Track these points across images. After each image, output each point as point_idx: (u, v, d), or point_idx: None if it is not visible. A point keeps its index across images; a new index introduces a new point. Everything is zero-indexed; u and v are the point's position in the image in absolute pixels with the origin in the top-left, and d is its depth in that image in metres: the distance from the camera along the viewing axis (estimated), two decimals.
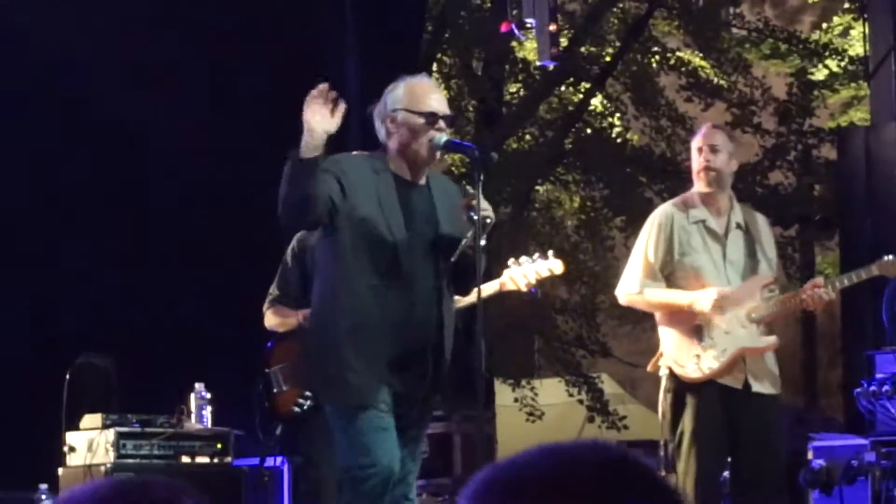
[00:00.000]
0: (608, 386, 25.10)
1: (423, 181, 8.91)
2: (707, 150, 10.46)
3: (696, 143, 10.61)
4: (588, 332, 24.26)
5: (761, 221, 10.71)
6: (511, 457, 2.77)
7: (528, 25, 14.18)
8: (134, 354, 13.09)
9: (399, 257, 8.74)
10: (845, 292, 11.38)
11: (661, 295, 10.39)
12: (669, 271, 10.40)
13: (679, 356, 10.27)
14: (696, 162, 10.46)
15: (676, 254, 10.38)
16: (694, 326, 10.26)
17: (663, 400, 10.46)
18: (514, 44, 22.72)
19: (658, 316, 10.53)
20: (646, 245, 10.46)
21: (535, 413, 24.18)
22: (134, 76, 14.61)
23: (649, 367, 10.65)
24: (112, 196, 14.39)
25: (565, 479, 2.71)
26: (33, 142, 14.29)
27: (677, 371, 10.28)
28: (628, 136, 24.85)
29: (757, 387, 10.28)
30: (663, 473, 10.18)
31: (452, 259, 8.91)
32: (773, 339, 10.48)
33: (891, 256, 10.74)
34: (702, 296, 10.20)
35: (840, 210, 16.16)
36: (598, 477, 2.72)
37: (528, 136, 23.98)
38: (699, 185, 10.48)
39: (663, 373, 10.38)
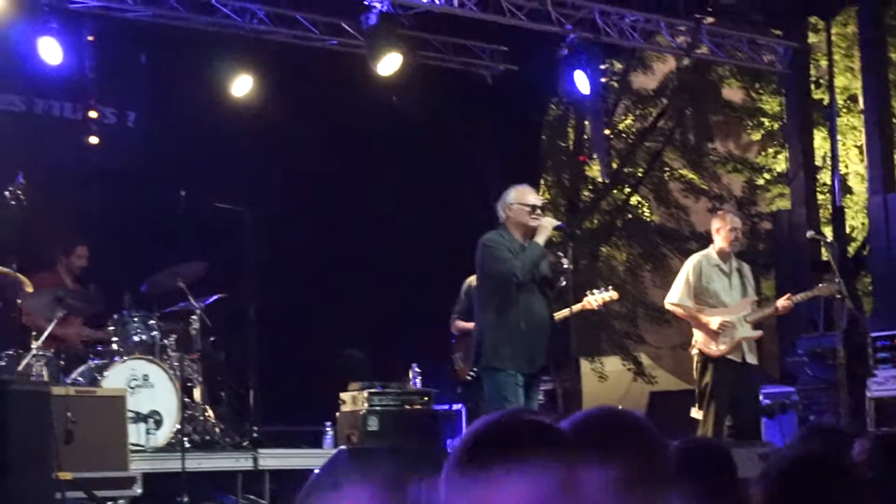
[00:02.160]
0: (644, 360, 24.63)
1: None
2: (739, 231, 10.37)
3: (735, 222, 10.42)
4: (631, 329, 24.01)
5: (746, 268, 10.48)
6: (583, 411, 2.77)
7: (594, 158, 14.15)
8: (378, 347, 12.77)
9: (531, 288, 8.71)
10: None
11: (694, 314, 10.16)
12: (698, 293, 10.20)
13: (704, 341, 10.09)
14: (731, 236, 10.23)
15: (704, 282, 10.20)
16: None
17: (695, 368, 10.27)
18: (585, 167, 22.70)
19: (691, 321, 10.29)
20: (688, 275, 10.24)
21: (603, 377, 24.03)
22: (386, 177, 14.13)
23: (691, 350, 10.40)
24: (369, 257, 13.88)
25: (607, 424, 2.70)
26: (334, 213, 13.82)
27: (704, 350, 10.11)
28: (652, 218, 24.65)
29: (749, 359, 10.15)
30: (697, 409, 10.14)
31: (554, 294, 8.95)
32: (759, 332, 10.36)
33: (822, 284, 10.68)
34: (714, 322, 10.04)
35: (774, 258, 16.11)
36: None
37: (595, 220, 23.86)
38: (729, 247, 10.27)
39: (695, 352, 10.22)
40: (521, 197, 8.86)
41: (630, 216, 24.31)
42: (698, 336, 10.23)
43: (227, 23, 13.36)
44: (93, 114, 12.72)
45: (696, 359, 10.31)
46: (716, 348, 10.12)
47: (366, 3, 12.29)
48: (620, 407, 3.02)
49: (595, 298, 9.70)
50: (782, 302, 10.41)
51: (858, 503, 2.96)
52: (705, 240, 10.83)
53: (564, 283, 9.03)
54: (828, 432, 5.01)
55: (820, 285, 10.69)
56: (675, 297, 10.35)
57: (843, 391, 11.23)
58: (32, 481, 5.76)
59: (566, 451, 2.53)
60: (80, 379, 9.96)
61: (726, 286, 10.31)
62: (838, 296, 10.65)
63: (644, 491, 2.62)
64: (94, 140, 12.64)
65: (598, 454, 2.59)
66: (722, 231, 10.34)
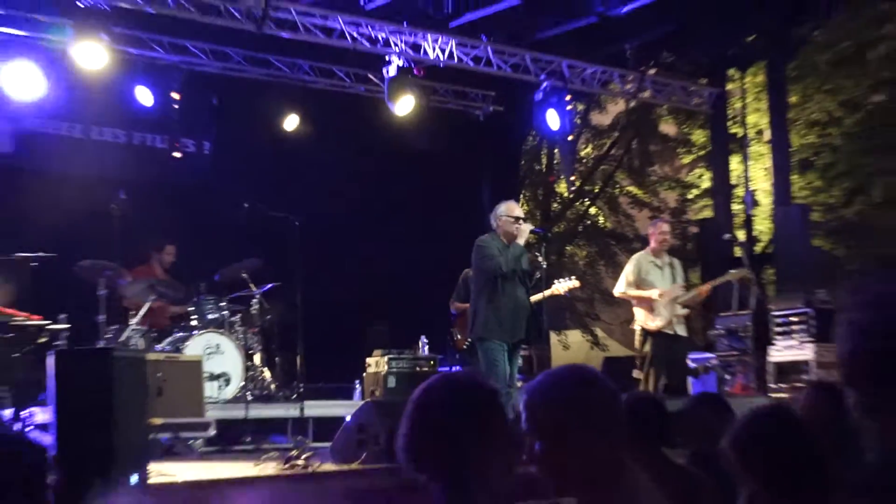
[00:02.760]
0: (599, 333, 24.44)
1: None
2: (669, 234, 10.38)
3: (664, 228, 10.40)
4: (589, 310, 23.92)
5: (677, 262, 10.38)
6: (553, 369, 2.70)
7: (562, 178, 14.11)
8: (396, 323, 12.71)
9: (513, 278, 8.71)
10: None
11: (637, 293, 10.10)
12: (638, 283, 10.14)
13: (644, 319, 10.06)
14: (661, 238, 10.22)
15: (642, 274, 10.17)
16: (651, 306, 10.07)
17: (638, 341, 10.16)
18: (555, 185, 22.67)
19: (634, 302, 10.18)
20: (630, 270, 10.24)
21: (567, 346, 24.00)
22: (394, 202, 14.06)
23: (632, 326, 10.27)
24: (389, 254, 13.64)
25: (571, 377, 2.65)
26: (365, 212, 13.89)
27: (644, 326, 10.05)
28: (606, 224, 24.64)
29: (680, 332, 10.09)
30: (638, 371, 10.04)
31: (531, 283, 8.92)
32: (687, 311, 10.19)
33: (733, 270, 10.60)
34: (654, 293, 10.00)
35: (699, 254, 15.93)
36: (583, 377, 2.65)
37: (562, 226, 23.81)
38: (659, 247, 10.23)
39: (637, 328, 10.15)
40: (509, 210, 8.82)
41: (589, 223, 24.31)
42: (639, 315, 10.18)
43: (279, 74, 13.50)
44: (177, 145, 12.85)
45: (638, 332, 10.27)
46: (653, 324, 10.03)
47: (387, 58, 12.38)
48: None
49: (562, 286, 9.67)
50: (704, 287, 10.38)
51: (808, 443, 2.89)
52: (646, 241, 10.86)
53: (539, 275, 9.01)
54: (711, 398, 5.26)
55: (731, 271, 10.66)
56: (623, 287, 10.35)
57: (751, 357, 11.50)
58: (133, 426, 5.88)
59: (499, 410, 2.65)
60: (168, 347, 9.96)
61: (660, 277, 10.26)
62: (748, 281, 10.65)
63: (599, 427, 2.61)
64: (178, 163, 12.72)
65: (564, 400, 2.58)
66: (655, 235, 10.35)
